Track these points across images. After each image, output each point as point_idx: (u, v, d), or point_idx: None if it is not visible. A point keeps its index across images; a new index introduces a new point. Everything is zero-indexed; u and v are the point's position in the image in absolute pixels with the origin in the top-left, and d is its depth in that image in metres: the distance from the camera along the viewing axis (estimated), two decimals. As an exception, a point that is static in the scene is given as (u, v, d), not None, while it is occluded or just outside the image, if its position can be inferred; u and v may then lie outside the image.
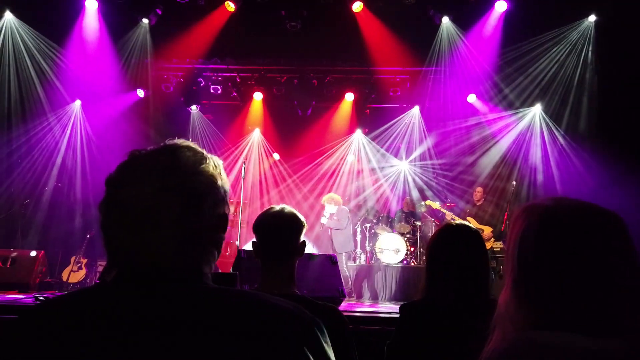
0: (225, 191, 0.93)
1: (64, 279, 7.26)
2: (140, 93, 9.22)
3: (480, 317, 1.15)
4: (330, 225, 7.52)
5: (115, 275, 0.84)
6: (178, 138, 0.95)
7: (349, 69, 9.30)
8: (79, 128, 8.85)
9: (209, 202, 0.88)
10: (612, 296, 0.91)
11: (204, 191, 0.87)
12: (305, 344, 0.77)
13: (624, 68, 7.34)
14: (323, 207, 7.74)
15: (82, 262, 7.46)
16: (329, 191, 9.18)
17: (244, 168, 6.75)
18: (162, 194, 0.82)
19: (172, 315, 0.76)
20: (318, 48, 8.67)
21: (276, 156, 10.56)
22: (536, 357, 0.86)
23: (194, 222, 0.85)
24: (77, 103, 8.87)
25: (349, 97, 9.66)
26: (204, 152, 0.94)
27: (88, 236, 7.56)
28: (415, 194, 9.56)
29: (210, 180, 0.89)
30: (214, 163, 0.93)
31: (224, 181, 0.93)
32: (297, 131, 10.12)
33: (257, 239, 1.82)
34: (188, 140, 0.94)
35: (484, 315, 1.10)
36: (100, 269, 7.42)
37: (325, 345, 0.80)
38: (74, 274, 7.33)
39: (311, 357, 0.77)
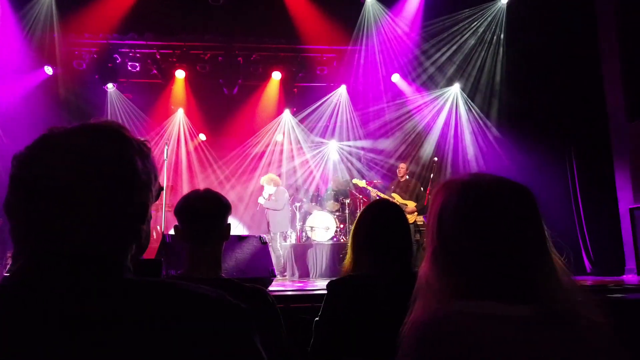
0: (148, 177, 0.84)
1: (-32, 275, 6.64)
2: (49, 70, 8.45)
3: (405, 290, 1.19)
4: (267, 205, 7.48)
5: (21, 265, 0.75)
6: (96, 118, 0.86)
7: (275, 47, 9.13)
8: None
9: (126, 190, 0.80)
10: (524, 264, 0.97)
11: (120, 178, 0.79)
12: (228, 333, 0.75)
13: (529, 50, 7.86)
14: (255, 187, 7.64)
15: (-11, 255, 6.85)
16: (262, 172, 9.09)
17: (167, 149, 6.47)
18: (76, 178, 0.75)
19: (89, 312, 0.70)
20: (243, 24, 8.41)
21: (202, 137, 10.21)
22: (456, 325, 0.90)
23: (111, 210, 0.78)
24: (-25, 81, 7.97)
25: (276, 75, 9.51)
26: (127, 133, 0.85)
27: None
28: (343, 172, 9.72)
29: (131, 165, 0.81)
30: (138, 146, 0.84)
31: (148, 166, 0.85)
32: (223, 111, 9.81)
33: (180, 223, 1.76)
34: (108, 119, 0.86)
35: (407, 287, 1.13)
36: (9, 261, 6.85)
37: (250, 332, 0.77)
38: (-20, 269, 6.72)
39: (235, 346, 0.74)
